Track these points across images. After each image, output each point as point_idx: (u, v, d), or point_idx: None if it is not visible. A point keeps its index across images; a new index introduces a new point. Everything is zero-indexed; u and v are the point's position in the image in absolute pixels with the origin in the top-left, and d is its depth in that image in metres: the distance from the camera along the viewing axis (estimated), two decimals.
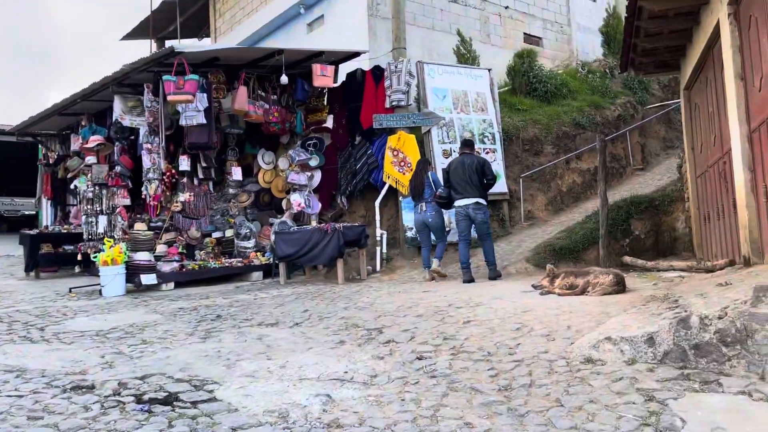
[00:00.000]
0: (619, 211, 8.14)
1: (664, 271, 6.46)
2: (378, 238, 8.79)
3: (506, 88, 11.78)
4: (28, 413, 2.93)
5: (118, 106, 8.67)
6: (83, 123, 10.28)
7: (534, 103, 11.37)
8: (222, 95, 8.91)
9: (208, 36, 17.77)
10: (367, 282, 7.73)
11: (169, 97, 7.69)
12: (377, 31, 11.45)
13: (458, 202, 7.11)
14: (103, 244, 7.88)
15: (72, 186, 10.50)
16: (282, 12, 13.47)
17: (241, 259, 9.07)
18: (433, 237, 7.53)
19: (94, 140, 9.13)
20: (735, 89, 5.00)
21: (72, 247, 10.04)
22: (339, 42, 11.08)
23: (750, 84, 4.86)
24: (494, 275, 6.90)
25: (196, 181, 9.30)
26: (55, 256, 10.38)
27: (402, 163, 8.84)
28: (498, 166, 9.29)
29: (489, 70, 10.19)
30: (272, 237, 8.57)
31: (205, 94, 8.06)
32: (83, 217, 9.33)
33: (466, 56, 11.68)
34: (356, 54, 9.80)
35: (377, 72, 9.47)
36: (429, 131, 9.06)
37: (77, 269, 10.38)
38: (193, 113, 7.90)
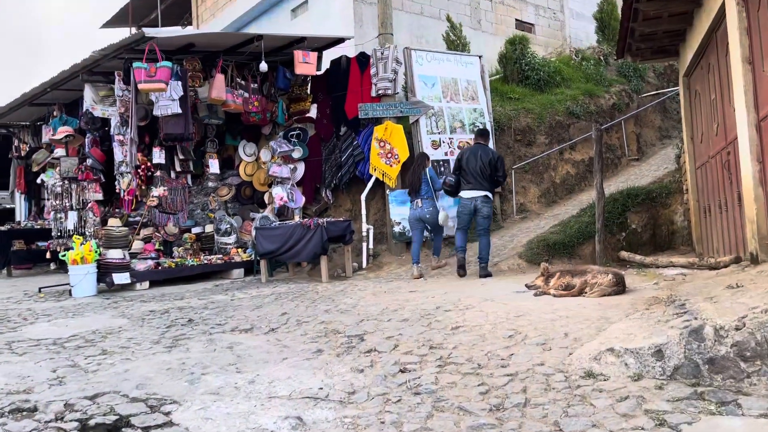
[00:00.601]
0: (615, 204, 7.79)
1: (664, 267, 6.14)
2: (364, 233, 8.42)
3: (497, 76, 11.42)
4: None
5: (88, 95, 8.26)
6: (55, 113, 9.81)
7: (526, 92, 11.02)
8: (198, 83, 8.48)
9: (190, 24, 17.24)
10: (352, 280, 7.39)
11: (140, 86, 7.27)
12: (363, 16, 11.02)
13: (466, 194, 6.80)
14: (73, 241, 7.47)
15: (39, 180, 10.02)
16: None
17: (221, 256, 8.68)
18: (426, 233, 7.42)
19: (63, 131, 8.67)
20: (742, 74, 4.67)
21: (44, 244, 9.61)
22: (324, 28, 10.65)
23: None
24: (485, 274, 6.61)
25: (173, 174, 8.87)
26: (29, 252, 9.98)
27: (389, 155, 8.46)
28: None
29: (480, 57, 9.80)
30: (253, 233, 8.19)
31: (179, 83, 7.62)
32: (51, 213, 8.89)
33: (456, 43, 11.28)
34: (340, 40, 9.38)
35: (363, 59, 9.06)
36: (417, 121, 8.68)
37: (52, 266, 9.97)
38: (168, 102, 7.47)
